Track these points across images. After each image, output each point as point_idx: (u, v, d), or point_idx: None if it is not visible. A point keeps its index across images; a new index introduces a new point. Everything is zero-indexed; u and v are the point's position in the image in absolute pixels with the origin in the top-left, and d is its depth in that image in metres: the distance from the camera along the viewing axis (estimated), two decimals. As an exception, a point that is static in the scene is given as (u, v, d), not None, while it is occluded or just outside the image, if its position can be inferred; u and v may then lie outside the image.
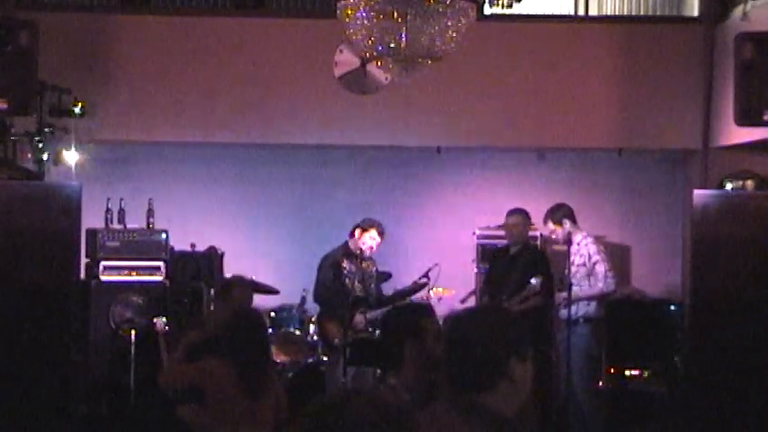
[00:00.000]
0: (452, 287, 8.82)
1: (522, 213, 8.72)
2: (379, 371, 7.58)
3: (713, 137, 8.89)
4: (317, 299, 8.74)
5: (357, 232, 8.65)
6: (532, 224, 9.37)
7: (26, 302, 6.30)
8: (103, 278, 8.30)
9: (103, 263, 8.32)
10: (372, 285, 8.75)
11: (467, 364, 2.98)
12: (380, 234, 8.62)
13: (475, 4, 6.49)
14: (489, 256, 9.12)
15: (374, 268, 8.83)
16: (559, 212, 8.59)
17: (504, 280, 8.59)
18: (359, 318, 8.46)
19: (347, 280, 8.62)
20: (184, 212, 9.42)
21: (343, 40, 7.81)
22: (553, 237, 8.68)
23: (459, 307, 9.36)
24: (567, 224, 8.55)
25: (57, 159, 7.84)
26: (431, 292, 8.62)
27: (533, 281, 8.32)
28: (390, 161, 9.98)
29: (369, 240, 8.59)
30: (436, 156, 9.61)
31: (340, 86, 8.91)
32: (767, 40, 6.49)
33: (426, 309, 5.02)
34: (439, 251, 9.19)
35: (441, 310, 9.26)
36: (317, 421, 2.35)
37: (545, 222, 8.65)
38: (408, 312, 4.95)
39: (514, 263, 8.62)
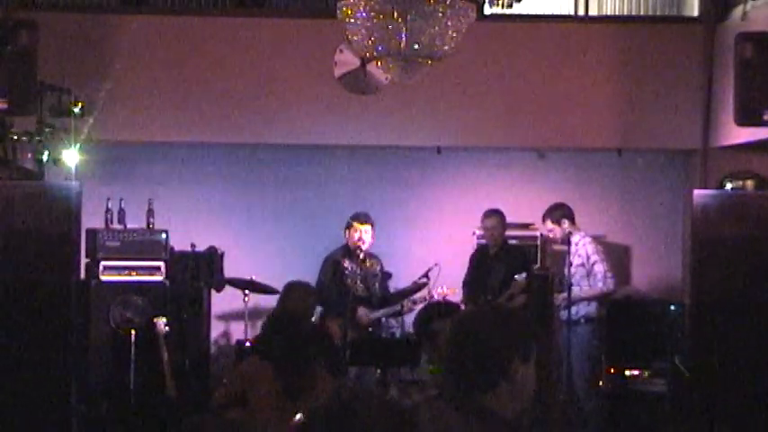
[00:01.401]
0: (453, 287, 8.82)
1: (499, 215, 8.81)
2: (379, 371, 7.61)
3: (713, 137, 8.89)
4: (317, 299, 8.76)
5: (346, 233, 8.69)
6: (532, 224, 9.43)
7: (26, 303, 6.30)
8: (103, 278, 8.29)
9: (103, 263, 8.31)
10: (376, 285, 8.76)
11: (469, 363, 2.98)
12: (364, 224, 8.62)
13: (475, 4, 6.49)
14: (470, 257, 9.13)
15: (378, 266, 8.83)
16: (558, 212, 8.62)
17: (485, 280, 8.67)
18: (362, 311, 8.48)
19: (349, 280, 8.63)
20: (184, 212, 9.42)
21: (343, 40, 7.81)
22: (551, 236, 8.70)
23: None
24: (566, 224, 8.57)
25: (57, 159, 7.84)
26: (435, 291, 8.63)
27: (518, 277, 8.39)
28: (390, 161, 9.98)
29: (355, 234, 8.61)
30: (436, 156, 9.62)
31: (340, 86, 8.91)
32: (767, 40, 6.49)
33: (447, 309, 4.99)
34: (439, 251, 9.19)
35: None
36: (325, 421, 2.35)
37: (543, 221, 8.68)
38: (430, 313, 4.95)
39: (495, 263, 8.72)
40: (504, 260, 8.75)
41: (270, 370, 5.65)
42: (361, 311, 8.50)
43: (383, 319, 8.69)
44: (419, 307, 8.68)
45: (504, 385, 2.95)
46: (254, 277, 8.84)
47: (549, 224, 8.62)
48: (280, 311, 6.40)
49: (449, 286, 8.72)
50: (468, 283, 8.93)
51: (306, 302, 6.96)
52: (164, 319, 7.92)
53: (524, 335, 3.02)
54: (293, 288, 7.09)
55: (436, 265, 8.67)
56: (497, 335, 2.98)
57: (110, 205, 8.46)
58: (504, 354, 2.96)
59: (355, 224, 8.63)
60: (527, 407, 3.02)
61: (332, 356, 7.05)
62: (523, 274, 8.45)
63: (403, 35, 6.16)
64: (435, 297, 8.60)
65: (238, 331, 9.17)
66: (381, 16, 6.16)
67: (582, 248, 8.54)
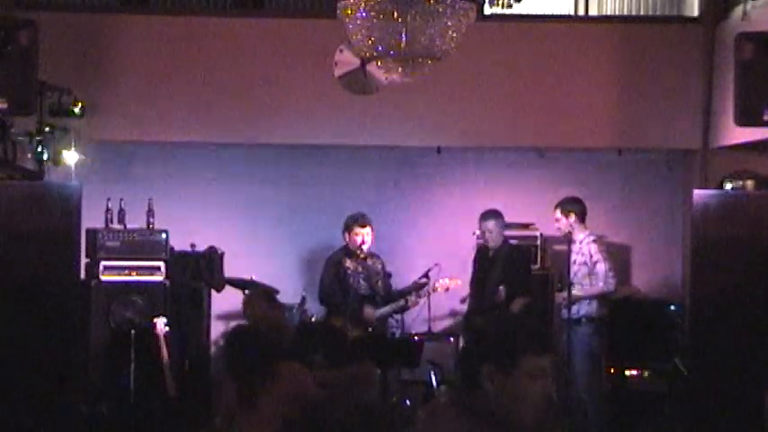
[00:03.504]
0: (455, 278, 8.83)
1: (496, 216, 8.80)
2: (379, 371, 7.60)
3: (713, 137, 8.89)
4: (321, 300, 8.78)
5: (345, 236, 8.69)
6: (532, 224, 9.44)
7: (26, 303, 6.30)
8: (103, 278, 8.29)
9: (103, 263, 8.31)
10: (380, 283, 8.76)
11: (477, 363, 2.97)
12: (364, 226, 8.63)
13: (475, 4, 6.49)
14: (474, 256, 9.14)
15: (380, 265, 8.84)
16: (569, 205, 8.61)
17: (486, 280, 8.68)
18: (368, 310, 8.49)
19: (351, 279, 8.64)
20: (184, 212, 9.42)
21: (344, 40, 7.81)
22: (555, 225, 8.68)
23: (460, 306, 9.39)
24: (572, 218, 8.55)
25: (57, 159, 7.84)
26: (437, 284, 8.64)
27: (500, 288, 8.44)
28: (390, 161, 9.98)
29: (357, 238, 8.62)
30: (436, 156, 9.61)
31: (340, 86, 8.91)
32: (767, 40, 6.48)
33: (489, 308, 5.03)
34: (439, 251, 9.20)
35: (449, 302, 9.38)
36: (304, 420, 2.36)
37: (554, 209, 8.66)
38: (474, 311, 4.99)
39: (494, 262, 8.74)
40: (502, 260, 8.76)
41: (230, 377, 5.80)
42: (368, 310, 8.52)
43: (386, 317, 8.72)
44: (423, 301, 8.71)
45: (509, 386, 2.94)
46: (254, 277, 8.84)
47: (558, 213, 8.62)
48: (237, 326, 6.48)
49: (454, 277, 8.75)
50: (472, 284, 8.94)
51: (258, 309, 6.98)
52: (164, 319, 7.91)
53: (532, 337, 3.01)
54: (246, 300, 7.15)
55: (436, 265, 8.69)
56: (506, 337, 2.97)
57: (110, 205, 8.46)
58: (511, 355, 2.95)
59: (355, 228, 8.64)
60: (534, 408, 3.01)
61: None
62: (502, 288, 8.49)
63: (403, 35, 6.16)
64: (438, 290, 8.63)
65: (238, 331, 9.15)
66: (381, 16, 6.16)
67: (585, 247, 8.54)
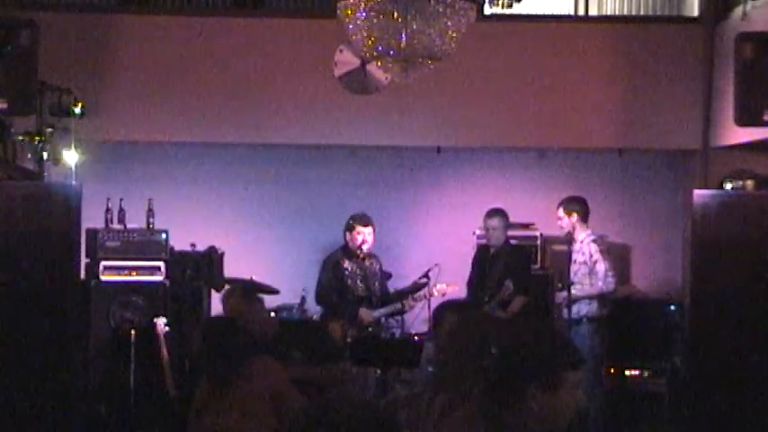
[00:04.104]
0: (453, 283, 8.83)
1: (502, 214, 8.81)
2: (379, 371, 7.60)
3: (713, 137, 8.89)
4: (318, 300, 8.77)
5: (347, 235, 8.70)
6: (532, 224, 9.43)
7: (26, 302, 6.30)
8: (103, 278, 8.29)
9: (103, 263, 8.31)
10: (376, 284, 8.75)
11: (512, 376, 2.93)
12: (366, 226, 8.64)
13: (475, 4, 6.49)
14: (474, 255, 9.14)
15: (378, 266, 8.83)
16: (572, 205, 8.63)
17: (486, 279, 8.69)
18: (363, 312, 8.48)
19: (349, 280, 8.63)
20: (184, 212, 9.42)
21: (344, 40, 7.81)
22: (558, 224, 8.70)
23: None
24: (574, 218, 8.56)
25: (57, 159, 7.83)
26: (434, 289, 8.64)
27: (506, 282, 8.43)
28: (390, 161, 9.98)
29: (358, 237, 8.62)
30: (436, 156, 9.62)
31: (340, 86, 8.91)
32: (767, 40, 6.48)
33: (458, 305, 5.03)
34: (439, 251, 9.20)
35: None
36: (303, 423, 2.36)
37: (557, 208, 8.68)
38: (444, 308, 4.97)
39: (494, 262, 8.75)
40: (503, 259, 8.78)
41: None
42: (363, 312, 8.51)
43: (383, 319, 8.69)
44: (420, 304, 8.70)
45: (552, 403, 2.91)
46: (254, 277, 8.84)
47: (561, 212, 8.63)
48: (211, 319, 6.50)
49: (451, 282, 8.74)
50: (470, 283, 8.95)
51: (238, 306, 6.97)
52: (164, 319, 7.91)
53: (569, 348, 2.98)
54: (227, 294, 7.17)
55: (436, 265, 8.68)
56: (549, 356, 2.94)
57: (110, 205, 8.45)
58: (550, 367, 2.91)
59: (358, 227, 8.63)
60: (568, 420, 2.97)
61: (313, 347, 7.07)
62: (509, 281, 8.49)
63: (403, 35, 6.16)
64: (435, 294, 8.63)
65: (238, 331, 9.15)
66: (381, 16, 6.16)
67: (585, 247, 8.55)
